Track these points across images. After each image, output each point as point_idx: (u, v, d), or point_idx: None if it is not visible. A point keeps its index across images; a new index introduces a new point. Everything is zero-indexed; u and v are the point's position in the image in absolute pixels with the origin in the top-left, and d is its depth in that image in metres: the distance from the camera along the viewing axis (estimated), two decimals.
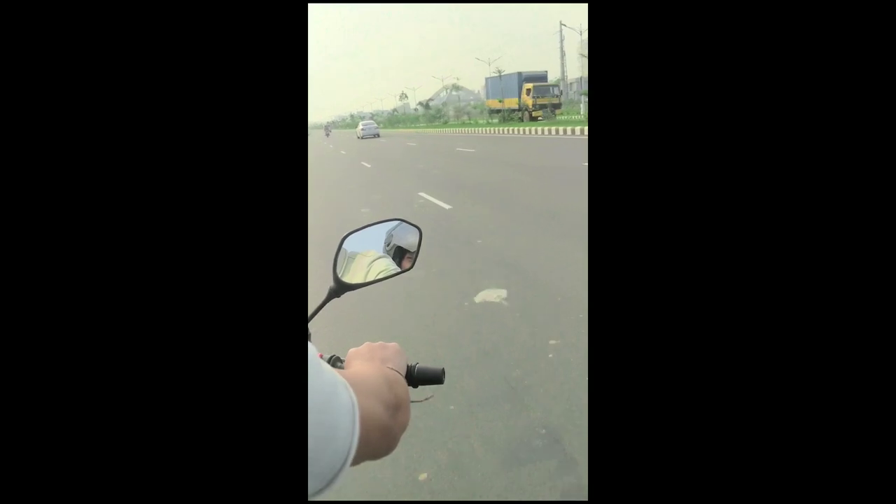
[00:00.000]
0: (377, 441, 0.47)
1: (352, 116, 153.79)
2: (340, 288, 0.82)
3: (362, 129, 42.92)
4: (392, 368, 0.62)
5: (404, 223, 0.90)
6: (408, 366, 0.71)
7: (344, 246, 0.84)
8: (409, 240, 0.89)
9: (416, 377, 0.72)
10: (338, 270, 0.82)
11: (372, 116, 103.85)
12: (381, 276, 0.85)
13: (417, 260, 0.90)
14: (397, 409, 0.53)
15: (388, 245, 0.89)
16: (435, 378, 0.73)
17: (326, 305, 0.82)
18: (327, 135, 59.30)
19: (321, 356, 0.72)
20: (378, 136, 41.84)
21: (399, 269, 0.86)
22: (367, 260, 0.87)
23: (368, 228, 0.87)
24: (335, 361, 0.73)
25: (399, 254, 0.88)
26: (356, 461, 0.44)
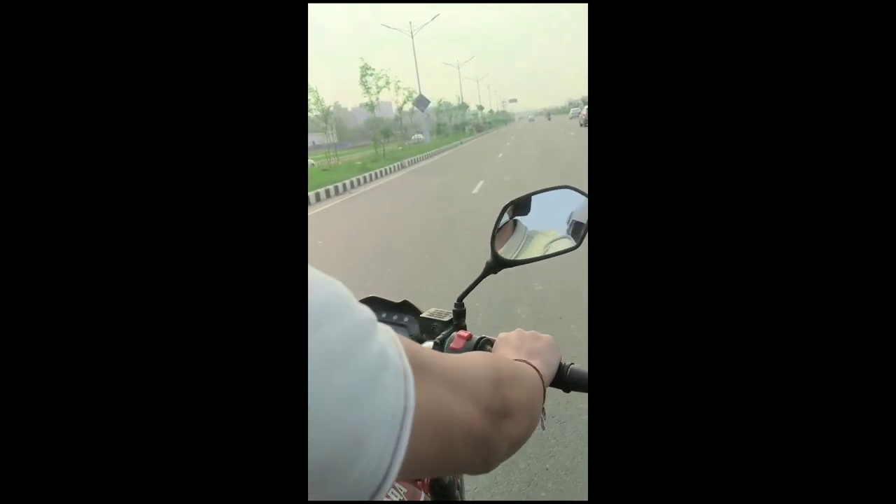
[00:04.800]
0: (463, 452, 0.37)
1: (569, 102, 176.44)
2: (498, 264, 0.73)
3: (571, 112, 61.41)
4: (531, 364, 0.52)
5: (572, 190, 0.75)
6: (560, 364, 0.60)
7: (505, 216, 0.74)
8: (577, 210, 0.76)
9: (568, 380, 0.60)
10: (496, 244, 0.73)
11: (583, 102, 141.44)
12: (544, 254, 0.74)
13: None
14: (504, 415, 0.41)
15: (553, 216, 0.76)
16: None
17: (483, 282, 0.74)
18: (549, 118, 79.39)
19: (469, 336, 0.67)
20: None
21: (566, 247, 0.73)
22: (530, 233, 0.76)
23: (533, 197, 0.75)
24: (483, 344, 0.66)
25: (563, 225, 0.75)
26: (428, 472, 0.36)
